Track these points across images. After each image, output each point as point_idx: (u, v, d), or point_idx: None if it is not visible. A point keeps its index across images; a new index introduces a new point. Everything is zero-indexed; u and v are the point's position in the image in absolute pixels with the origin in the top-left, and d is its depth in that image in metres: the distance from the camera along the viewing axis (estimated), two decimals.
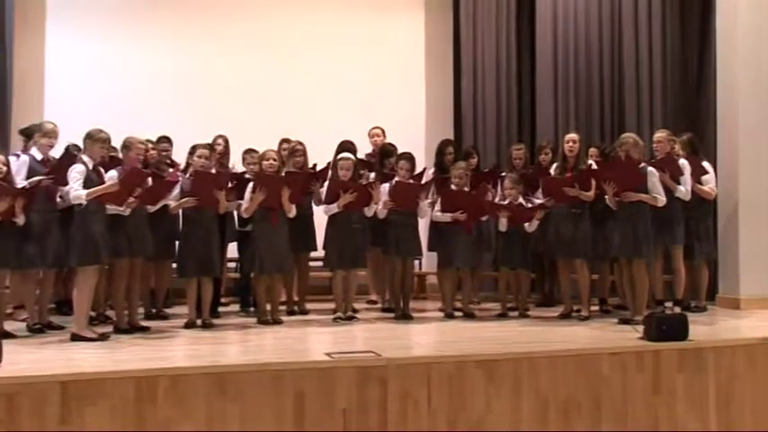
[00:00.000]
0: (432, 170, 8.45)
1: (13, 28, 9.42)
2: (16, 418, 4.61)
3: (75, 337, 6.30)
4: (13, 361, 5.20)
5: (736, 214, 8.37)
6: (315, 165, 8.03)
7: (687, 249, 7.81)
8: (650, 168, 7.19)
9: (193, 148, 7.39)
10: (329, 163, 7.98)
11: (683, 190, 7.56)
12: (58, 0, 10.03)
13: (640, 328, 6.25)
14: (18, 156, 7.21)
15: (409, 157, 7.89)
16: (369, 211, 7.61)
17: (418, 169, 8.13)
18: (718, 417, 5.86)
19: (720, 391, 5.89)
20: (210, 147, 7.56)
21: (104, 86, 9.87)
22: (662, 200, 7.14)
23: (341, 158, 7.70)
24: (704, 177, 7.92)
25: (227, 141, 8.34)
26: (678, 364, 5.83)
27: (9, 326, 6.82)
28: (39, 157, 7.15)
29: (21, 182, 6.77)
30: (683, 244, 7.74)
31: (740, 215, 8.35)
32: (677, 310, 7.41)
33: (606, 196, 7.21)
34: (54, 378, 4.78)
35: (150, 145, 7.53)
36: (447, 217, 7.73)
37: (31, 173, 6.93)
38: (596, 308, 8.05)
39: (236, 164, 8.36)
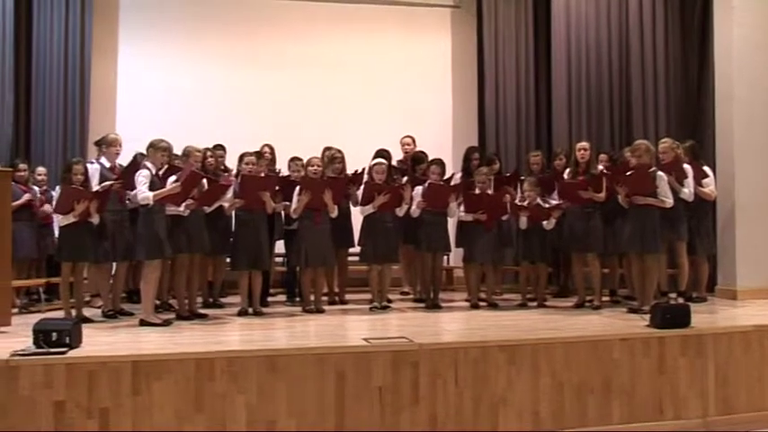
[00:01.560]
0: (459, 174, 8.46)
1: (91, 53, 9.64)
2: (95, 389, 4.74)
3: (143, 323, 6.41)
4: (92, 342, 5.33)
5: (734, 213, 8.30)
6: (356, 170, 8.07)
7: (689, 245, 7.75)
8: (660, 173, 7.12)
9: (242, 156, 7.44)
10: (365, 168, 8.03)
11: (687, 192, 7.50)
12: (129, 29, 10.20)
13: (647, 316, 6.22)
14: (92, 163, 7.36)
15: (440, 163, 7.91)
16: (400, 212, 7.61)
17: (447, 174, 8.14)
18: (716, 395, 5.83)
19: (718, 373, 5.86)
20: (258, 154, 7.59)
21: (167, 102, 9.99)
22: (669, 202, 7.06)
23: (375, 164, 7.73)
24: (705, 180, 7.85)
25: (272, 149, 8.40)
26: (681, 348, 5.80)
27: (87, 312, 6.95)
28: (107, 165, 7.29)
29: (94, 186, 6.91)
30: (686, 241, 7.69)
31: (737, 214, 8.29)
32: (680, 300, 7.36)
33: (619, 197, 7.18)
34: (126, 357, 4.90)
35: (209, 153, 7.61)
36: (469, 217, 7.75)
37: (101, 179, 7.07)
38: (607, 298, 7.99)
39: (282, 169, 8.42)
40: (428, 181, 7.79)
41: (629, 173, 7.17)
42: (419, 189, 7.71)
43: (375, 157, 8.06)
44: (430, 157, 8.30)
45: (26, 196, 7.82)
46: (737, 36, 8.44)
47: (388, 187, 7.54)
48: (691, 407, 5.78)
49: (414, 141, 8.98)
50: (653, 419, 5.69)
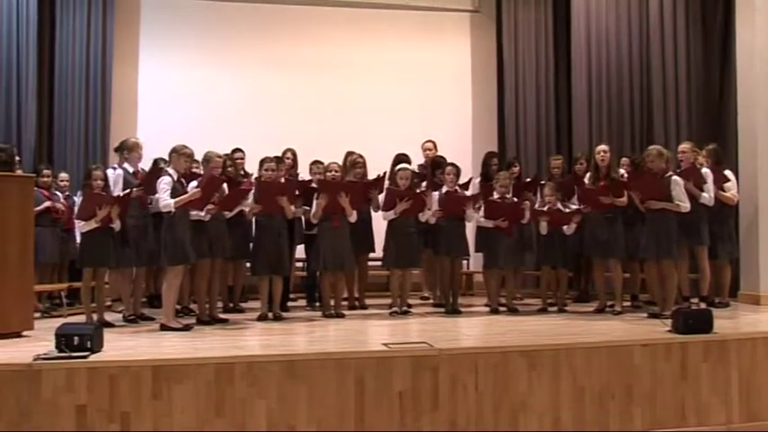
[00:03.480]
0: (478, 179, 8.44)
1: (113, 60, 9.82)
2: (116, 393, 4.76)
3: (164, 327, 6.44)
4: (113, 347, 5.36)
5: (757, 218, 8.21)
6: (378, 174, 8.05)
7: (711, 250, 7.70)
8: (675, 177, 7.06)
9: (262, 161, 7.43)
10: (386, 173, 8.02)
11: (707, 196, 7.45)
12: (150, 35, 10.31)
13: (669, 321, 6.16)
14: (114, 169, 7.41)
15: (454, 167, 7.87)
16: (423, 217, 7.60)
17: (464, 177, 8.12)
18: (739, 401, 5.75)
19: (742, 379, 5.77)
20: (278, 159, 7.59)
21: (187, 108, 10.07)
22: (685, 207, 6.98)
23: (400, 169, 7.72)
24: (726, 185, 7.80)
25: (294, 154, 8.40)
26: (703, 354, 5.73)
27: (108, 316, 7.01)
28: (131, 169, 7.33)
29: (117, 192, 6.95)
30: (707, 245, 7.63)
31: (760, 218, 8.20)
32: (702, 305, 7.29)
33: (636, 202, 7.15)
34: (147, 362, 4.92)
35: (230, 160, 7.60)
36: (490, 223, 7.73)
37: (125, 184, 7.11)
38: (628, 303, 7.96)
39: (303, 174, 8.43)
40: (444, 188, 7.76)
41: (639, 178, 7.13)
42: (435, 195, 7.70)
43: (396, 162, 8.06)
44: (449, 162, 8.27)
45: (46, 203, 7.87)
46: (760, 37, 8.37)
47: (410, 193, 7.53)
48: (714, 413, 5.70)
49: (435, 146, 8.95)
50: (675, 426, 5.62)
